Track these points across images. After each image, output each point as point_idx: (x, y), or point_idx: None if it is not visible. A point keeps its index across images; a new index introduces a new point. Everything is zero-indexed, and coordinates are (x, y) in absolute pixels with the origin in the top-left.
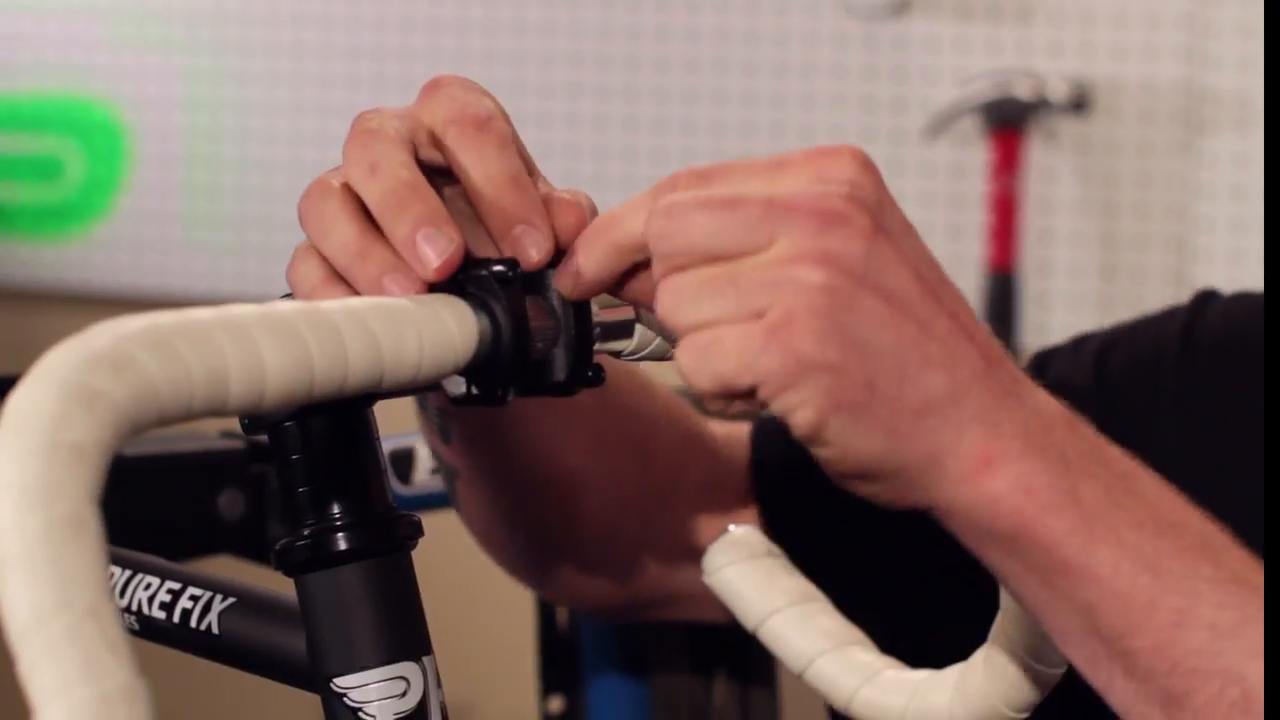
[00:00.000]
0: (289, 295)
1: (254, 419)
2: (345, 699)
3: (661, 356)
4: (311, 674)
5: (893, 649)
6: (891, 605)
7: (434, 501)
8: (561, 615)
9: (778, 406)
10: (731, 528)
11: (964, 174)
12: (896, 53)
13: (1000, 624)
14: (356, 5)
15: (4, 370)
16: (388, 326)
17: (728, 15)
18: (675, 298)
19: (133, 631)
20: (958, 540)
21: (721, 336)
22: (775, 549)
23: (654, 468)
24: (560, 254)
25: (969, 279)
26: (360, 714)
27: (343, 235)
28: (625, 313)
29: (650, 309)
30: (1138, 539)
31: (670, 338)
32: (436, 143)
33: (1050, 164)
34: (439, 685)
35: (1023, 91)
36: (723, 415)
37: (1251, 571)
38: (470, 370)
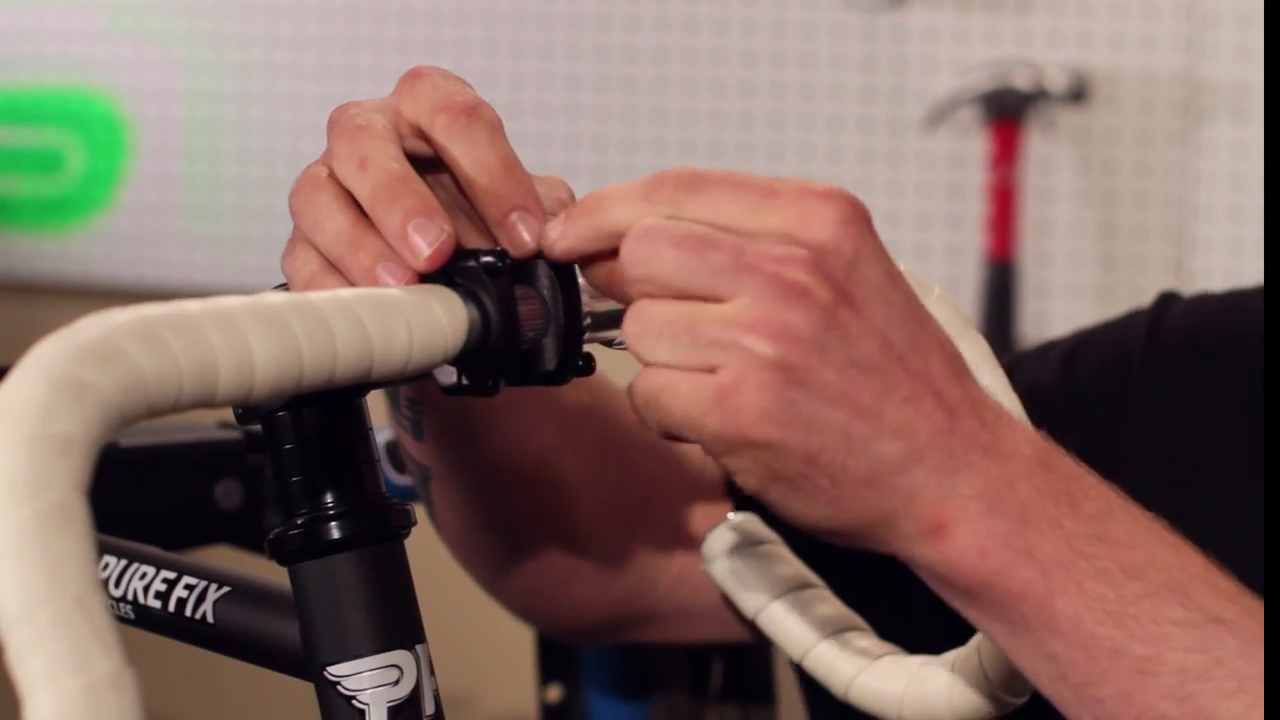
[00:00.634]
0: (283, 285)
1: (246, 409)
2: (339, 687)
3: None
4: (305, 662)
5: (891, 635)
6: (887, 591)
7: None
8: None
9: (722, 464)
10: (730, 515)
11: (963, 164)
12: (895, 43)
13: None
14: None
15: (5, 362)
16: (377, 317)
17: (726, 6)
18: (640, 328)
19: (128, 621)
20: None
21: (675, 383)
22: (774, 536)
23: (633, 471)
24: None
25: (968, 269)
26: (353, 702)
27: (336, 226)
28: (615, 303)
29: (614, 299)
30: (1101, 588)
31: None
32: (421, 133)
33: (1049, 154)
34: (432, 673)
35: (1021, 82)
36: None
37: (1226, 603)
38: (461, 360)
